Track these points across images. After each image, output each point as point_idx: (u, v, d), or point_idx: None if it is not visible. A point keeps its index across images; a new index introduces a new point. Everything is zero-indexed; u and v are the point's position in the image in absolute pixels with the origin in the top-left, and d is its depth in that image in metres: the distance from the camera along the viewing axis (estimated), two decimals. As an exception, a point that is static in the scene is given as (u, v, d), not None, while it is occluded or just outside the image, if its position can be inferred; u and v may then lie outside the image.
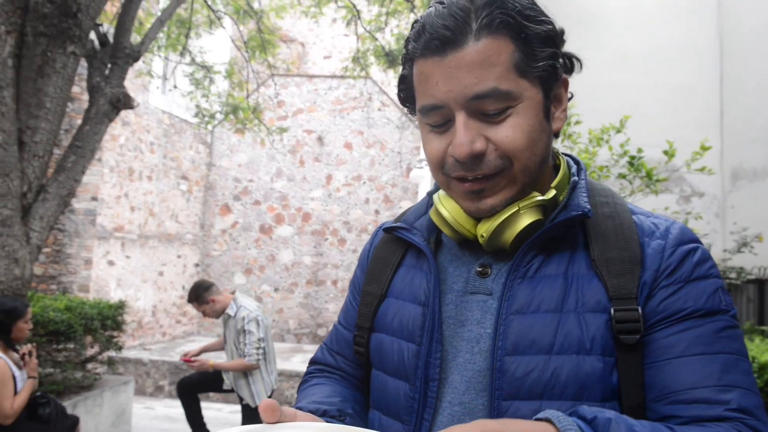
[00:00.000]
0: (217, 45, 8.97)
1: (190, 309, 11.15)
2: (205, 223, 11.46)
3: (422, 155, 9.64)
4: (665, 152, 3.66)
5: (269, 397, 4.58)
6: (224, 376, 4.65)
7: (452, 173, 0.83)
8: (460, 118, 0.79)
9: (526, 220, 0.82)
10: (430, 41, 0.79)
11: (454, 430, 0.56)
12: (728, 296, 0.82)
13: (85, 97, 5.18)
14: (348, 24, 7.34)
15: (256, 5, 7.67)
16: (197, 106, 8.02)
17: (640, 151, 3.73)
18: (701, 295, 0.79)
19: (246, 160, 11.44)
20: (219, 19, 7.43)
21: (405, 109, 0.93)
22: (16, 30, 4.24)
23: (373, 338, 0.95)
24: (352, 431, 0.71)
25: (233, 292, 4.60)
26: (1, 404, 3.23)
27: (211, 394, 7.58)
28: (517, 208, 0.82)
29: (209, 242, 11.44)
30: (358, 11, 7.16)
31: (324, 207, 11.22)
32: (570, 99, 0.90)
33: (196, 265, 11.23)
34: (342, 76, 10.68)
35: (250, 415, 4.48)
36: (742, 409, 0.73)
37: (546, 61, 0.80)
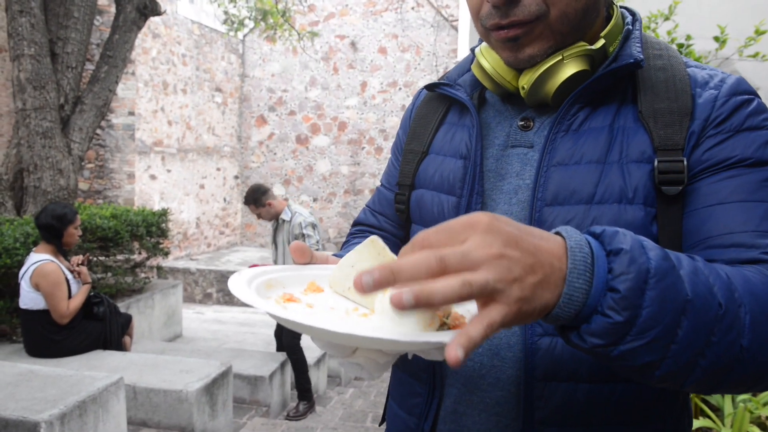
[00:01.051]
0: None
1: (232, 220, 11.44)
2: (242, 135, 11.51)
3: (459, 57, 9.31)
4: (716, 38, 3.42)
5: None
6: None
7: (488, 22, 0.78)
8: None
9: (570, 69, 0.78)
10: None
11: (468, 217, 0.53)
12: None
13: (113, 8, 5.11)
14: None
15: None
16: (225, 13, 7.83)
17: (689, 38, 3.49)
18: (751, 145, 0.74)
19: (279, 69, 11.28)
20: None
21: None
22: (35, -66, 4.15)
23: (414, 195, 0.94)
24: (366, 256, 0.68)
25: (286, 199, 4.72)
26: (58, 305, 3.43)
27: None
28: (560, 57, 0.78)
29: (247, 154, 11.55)
30: None
31: (360, 115, 11.09)
32: None
33: (236, 177, 11.40)
34: None
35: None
36: None
37: None
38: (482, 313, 0.50)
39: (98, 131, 7.73)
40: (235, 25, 7.82)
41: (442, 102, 0.96)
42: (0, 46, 6.88)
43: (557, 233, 0.58)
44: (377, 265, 0.50)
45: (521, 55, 0.79)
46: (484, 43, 0.88)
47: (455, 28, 10.27)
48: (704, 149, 0.76)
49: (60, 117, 4.52)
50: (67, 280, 3.50)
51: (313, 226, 4.62)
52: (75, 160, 4.56)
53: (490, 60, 0.85)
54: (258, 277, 0.68)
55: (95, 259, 4.75)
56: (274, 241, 4.73)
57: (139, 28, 4.84)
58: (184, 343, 5.50)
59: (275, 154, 11.43)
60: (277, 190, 11.46)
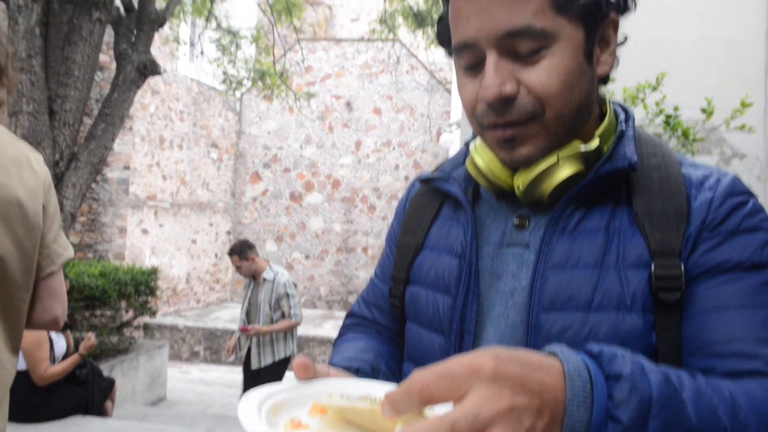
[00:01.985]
0: (242, 9, 8.89)
1: (223, 276, 11.33)
2: (236, 191, 11.56)
3: (452, 119, 9.49)
4: (703, 110, 3.51)
5: (289, 358, 4.70)
6: (240, 343, 4.75)
7: (484, 120, 0.77)
8: (491, 58, 0.73)
9: (565, 171, 0.77)
10: None
11: (469, 361, 0.51)
12: None
13: (114, 65, 5.20)
14: (375, -15, 7.18)
15: (281, -32, 7.55)
16: (224, 73, 8.00)
17: (676, 109, 3.58)
18: (747, 247, 0.73)
19: (275, 127, 11.44)
20: (244, -17, 7.34)
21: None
22: (41, -2, 4.25)
23: (408, 290, 0.92)
24: (379, 386, 0.69)
25: (267, 261, 4.77)
26: (37, 365, 3.34)
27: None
28: (556, 159, 0.77)
29: (240, 210, 11.56)
30: (384, -29, 6.99)
31: (353, 173, 11.19)
32: (622, 43, 0.83)
33: (228, 232, 11.38)
34: (370, 39, 10.53)
35: (255, 382, 4.55)
36: None
37: None
38: None
39: (92, 185, 7.74)
40: (234, 85, 7.97)
41: (436, 195, 0.94)
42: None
43: (553, 353, 0.56)
44: None
45: (517, 156, 0.78)
46: (478, 139, 0.87)
47: (449, 91, 10.50)
48: (701, 252, 0.74)
49: (54, 173, 4.52)
50: (51, 340, 3.42)
51: (295, 285, 4.74)
52: (67, 216, 4.53)
53: (484, 158, 0.84)
54: (264, 403, 0.67)
55: (80, 317, 4.66)
56: (251, 301, 4.75)
57: (138, 87, 4.92)
58: (168, 406, 5.33)
59: (269, 210, 11.44)
60: (270, 247, 11.42)
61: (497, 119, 0.75)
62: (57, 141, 4.54)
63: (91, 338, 3.56)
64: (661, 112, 3.55)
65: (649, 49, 4.78)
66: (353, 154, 11.20)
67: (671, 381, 0.57)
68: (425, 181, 0.95)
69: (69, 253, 1.37)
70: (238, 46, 7.78)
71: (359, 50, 11.20)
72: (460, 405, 0.48)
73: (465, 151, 0.93)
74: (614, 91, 3.71)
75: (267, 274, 4.65)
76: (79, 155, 4.66)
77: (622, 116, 0.84)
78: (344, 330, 1.06)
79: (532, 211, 0.83)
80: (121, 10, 5.02)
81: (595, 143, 0.79)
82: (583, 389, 0.53)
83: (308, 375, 0.71)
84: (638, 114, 3.74)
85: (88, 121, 6.94)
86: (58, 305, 1.35)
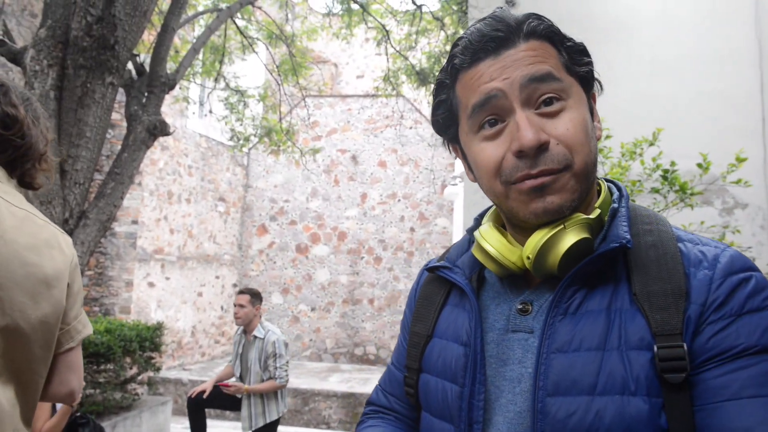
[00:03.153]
0: (250, 70, 9.17)
1: (228, 329, 11.29)
2: (243, 243, 11.63)
3: (456, 172, 9.61)
4: (699, 165, 3.57)
5: (279, 419, 4.63)
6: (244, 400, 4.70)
7: (514, 175, 0.79)
8: (520, 112, 0.78)
9: (571, 237, 0.79)
10: (484, 45, 0.80)
11: None
12: None
13: (125, 123, 5.36)
14: (378, 44, 7.42)
15: (288, 29, 7.83)
16: (232, 130, 8.20)
17: (673, 164, 3.64)
18: (755, 330, 0.73)
19: (281, 180, 11.61)
20: (252, 44, 7.61)
21: (441, 139, 0.93)
22: (57, 63, 4.43)
23: (421, 379, 0.93)
24: None
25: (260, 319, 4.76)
26: (35, 423, 3.32)
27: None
28: (562, 226, 0.79)
29: (247, 262, 11.61)
30: (387, 31, 7.23)
31: (359, 225, 11.27)
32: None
33: (234, 285, 11.39)
34: (374, 95, 10.78)
35: None
36: None
37: (586, 66, 0.84)
38: None
39: (100, 239, 7.84)
40: (241, 142, 8.16)
41: (444, 283, 0.96)
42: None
43: None
44: None
45: (550, 204, 0.79)
46: (483, 226, 0.90)
47: (452, 144, 10.67)
48: (708, 336, 0.73)
49: (64, 231, 4.60)
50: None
51: (286, 344, 4.66)
52: (74, 273, 4.59)
53: (492, 242, 0.85)
54: None
55: (84, 374, 4.65)
56: (242, 359, 4.70)
57: (148, 147, 5.05)
58: (171, 465, 5.25)
59: (275, 262, 11.49)
60: (276, 299, 11.41)
61: (529, 170, 0.78)
62: (67, 200, 4.64)
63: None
64: (658, 167, 3.61)
65: (645, 104, 4.90)
66: (359, 207, 11.30)
67: None
68: (431, 270, 0.97)
69: (88, 330, 1.42)
70: (245, 105, 8.00)
71: (364, 106, 11.46)
72: None
73: (468, 239, 0.98)
74: (611, 147, 3.79)
75: (258, 332, 4.61)
76: (88, 213, 4.76)
77: (615, 194, 0.88)
78: (364, 418, 1.06)
79: (535, 296, 0.85)
80: (133, 73, 5.21)
81: (596, 212, 0.82)
82: None
83: None
84: (636, 169, 3.80)
85: (98, 178, 7.09)
86: (75, 379, 1.38)
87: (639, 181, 3.64)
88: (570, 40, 0.83)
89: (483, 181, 0.84)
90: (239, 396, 4.68)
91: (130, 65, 5.08)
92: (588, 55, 0.85)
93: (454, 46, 0.84)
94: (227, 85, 7.72)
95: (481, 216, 0.96)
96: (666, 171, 3.59)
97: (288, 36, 7.52)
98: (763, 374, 0.71)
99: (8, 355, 1.19)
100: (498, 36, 0.80)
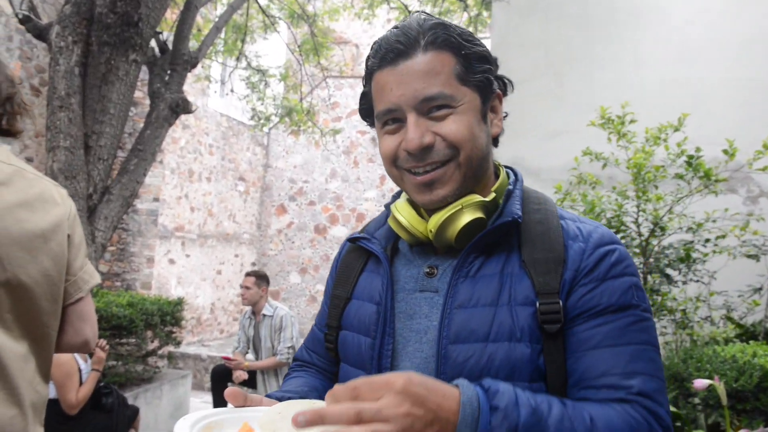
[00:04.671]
0: (272, 49, 9.16)
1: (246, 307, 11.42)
2: (262, 223, 11.72)
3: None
4: (725, 151, 3.51)
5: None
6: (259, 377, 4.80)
7: (404, 165, 0.96)
8: (411, 118, 0.93)
9: (467, 216, 0.94)
10: (386, 54, 0.95)
11: (388, 377, 0.70)
12: (641, 292, 0.93)
13: (148, 101, 5.41)
14: (400, 25, 7.35)
15: (309, 9, 7.79)
16: (253, 109, 8.22)
17: (698, 150, 3.58)
18: (615, 292, 0.90)
19: (301, 161, 11.64)
20: (274, 23, 7.59)
21: (366, 122, 1.07)
22: (82, 40, 4.47)
23: (340, 335, 1.07)
24: (294, 404, 0.84)
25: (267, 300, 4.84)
26: (67, 395, 3.42)
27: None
28: (460, 206, 0.94)
29: (265, 242, 11.70)
30: (409, 12, 7.17)
31: (378, 207, 11.28)
32: (505, 117, 1.04)
33: (253, 264, 11.50)
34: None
35: None
36: (641, 393, 0.84)
37: (482, 74, 0.96)
38: None
39: (123, 216, 7.95)
40: (262, 121, 8.18)
41: (363, 252, 1.10)
42: (37, 131, 7.24)
43: (456, 384, 0.75)
44: (311, 409, 0.67)
45: (435, 197, 0.95)
46: (399, 200, 1.05)
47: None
48: (578, 296, 0.90)
49: (87, 206, 4.68)
50: (80, 370, 3.50)
51: (293, 320, 4.78)
52: (98, 248, 4.67)
53: (404, 214, 1.01)
54: (199, 422, 0.81)
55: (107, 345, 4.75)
56: (255, 338, 4.79)
57: (171, 124, 5.09)
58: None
59: (293, 242, 11.57)
60: (294, 279, 11.50)
61: (417, 164, 0.94)
62: (91, 175, 4.71)
63: (101, 349, 3.63)
64: (683, 153, 3.55)
65: (671, 88, 4.81)
66: (378, 188, 11.31)
67: (539, 411, 0.77)
68: (352, 241, 1.12)
69: (96, 279, 1.45)
70: (266, 84, 8.01)
71: (385, 86, 11.39)
72: (371, 403, 0.68)
73: (386, 213, 1.10)
74: (636, 131, 3.74)
75: (266, 311, 4.73)
76: (111, 189, 4.83)
77: (512, 178, 1.04)
78: (290, 371, 1.23)
79: (440, 261, 1.00)
80: (156, 51, 5.24)
81: (491, 196, 0.98)
82: (471, 415, 0.73)
83: (238, 402, 0.88)
84: (660, 154, 3.74)
85: (120, 155, 7.16)
86: (88, 328, 1.42)
87: (662, 166, 3.59)
88: (469, 46, 0.95)
89: (384, 166, 1.00)
90: (246, 374, 4.77)
91: (153, 43, 5.11)
92: (489, 62, 0.97)
93: (372, 47, 0.98)
94: (249, 64, 7.73)
95: (399, 194, 1.10)
96: (691, 157, 3.53)
97: (310, 15, 7.49)
98: (618, 329, 0.88)
99: (16, 310, 1.22)
100: (397, 48, 0.93)
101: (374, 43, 0.98)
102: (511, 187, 1.01)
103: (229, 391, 0.88)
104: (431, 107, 0.93)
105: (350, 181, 11.40)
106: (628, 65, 4.87)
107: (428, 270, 1.00)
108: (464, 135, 0.93)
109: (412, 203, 1.04)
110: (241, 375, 4.76)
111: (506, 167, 1.07)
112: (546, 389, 0.88)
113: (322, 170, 11.52)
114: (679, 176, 3.57)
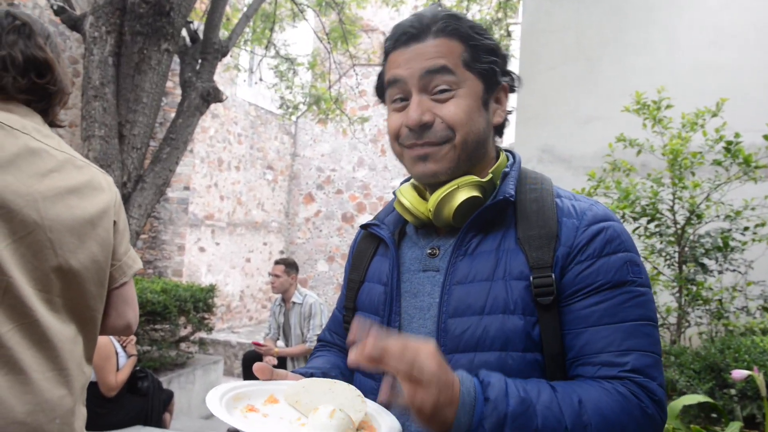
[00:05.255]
0: (300, 37, 9.18)
1: (275, 295, 11.54)
2: (290, 211, 11.80)
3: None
4: (765, 137, 3.42)
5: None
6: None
7: (405, 142, 1.02)
8: (415, 97, 0.99)
9: (463, 194, 0.99)
10: (400, 37, 1.02)
11: (412, 341, 0.79)
12: (637, 267, 0.95)
13: (178, 91, 5.47)
14: (428, 12, 7.29)
15: (337, -4, 7.77)
16: (281, 98, 8.25)
17: (737, 136, 3.49)
18: (610, 269, 0.93)
19: (329, 150, 11.67)
20: (302, 11, 7.60)
21: (379, 100, 1.13)
22: (115, 30, 4.53)
23: (355, 316, 1.14)
24: (316, 381, 0.90)
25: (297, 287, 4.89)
26: (106, 378, 3.50)
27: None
28: (456, 186, 1.00)
29: (293, 230, 11.79)
30: (438, -2, 7.10)
31: (404, 196, 11.27)
32: (510, 113, 1.08)
33: (281, 252, 11.60)
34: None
35: None
36: (635, 369, 0.89)
37: (488, 64, 1.01)
38: (406, 392, 0.77)
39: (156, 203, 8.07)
40: (290, 110, 8.21)
41: (375, 238, 1.17)
42: (71, 122, 7.38)
43: (458, 376, 0.83)
44: (373, 345, 0.77)
45: (426, 170, 1.01)
46: (403, 185, 1.12)
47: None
48: (575, 274, 0.94)
49: (122, 194, 4.76)
50: (117, 354, 3.59)
51: (322, 308, 4.86)
52: (132, 235, 4.76)
53: (407, 197, 1.07)
54: (228, 393, 0.88)
55: (141, 331, 4.85)
56: (285, 325, 4.83)
57: (202, 113, 5.14)
58: (220, 420, 5.46)
59: (321, 231, 11.63)
60: (321, 267, 11.58)
61: (416, 140, 1.00)
62: (125, 163, 4.79)
63: (131, 340, 3.72)
64: (721, 138, 3.47)
65: (707, 73, 4.69)
66: (405, 177, 11.29)
67: (527, 400, 0.83)
68: (364, 227, 1.18)
69: (138, 264, 1.49)
70: (295, 73, 8.03)
71: (412, 74, 11.34)
72: (407, 349, 0.77)
73: (395, 199, 1.16)
74: (672, 117, 3.66)
75: (296, 298, 4.78)
76: (145, 177, 4.90)
77: (511, 160, 1.09)
78: (314, 351, 1.30)
79: (442, 242, 1.06)
80: (187, 40, 5.28)
81: (488, 177, 1.04)
82: (470, 404, 0.81)
83: (266, 376, 0.96)
84: (697, 140, 3.66)
85: (152, 145, 7.27)
86: (131, 311, 1.46)
87: (700, 152, 3.51)
88: (478, 38, 1.01)
89: (390, 142, 1.07)
90: (275, 359, 4.82)
91: (184, 32, 5.15)
92: (496, 55, 1.03)
93: (390, 31, 1.06)
94: (277, 52, 7.75)
95: (406, 181, 1.17)
96: (729, 143, 3.45)
97: (338, 3, 7.47)
98: (614, 306, 0.92)
99: (65, 294, 1.25)
100: (410, 32, 1.01)
101: (392, 28, 1.06)
102: (507, 169, 1.06)
103: (258, 365, 0.93)
104: (434, 87, 0.99)
105: (377, 170, 11.40)
106: (661, 50, 4.75)
107: (430, 251, 1.06)
108: (461, 118, 0.98)
109: (414, 187, 1.11)
110: (270, 360, 4.82)
111: (506, 150, 1.12)
112: (542, 359, 0.93)
113: (350, 159, 11.54)
114: (717, 162, 3.49)
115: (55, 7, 4.66)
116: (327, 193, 11.64)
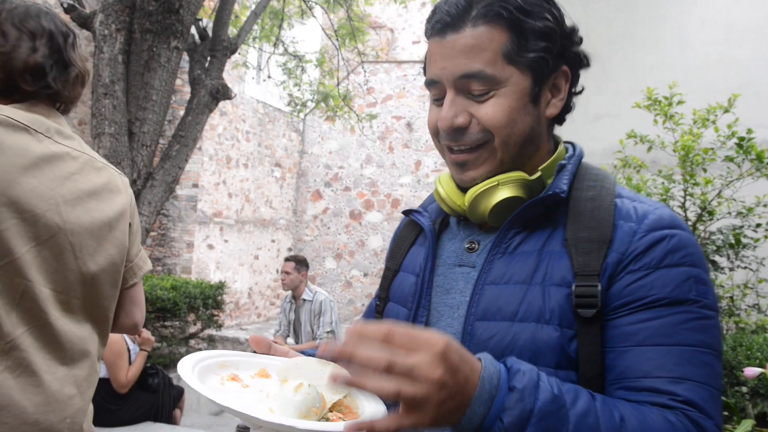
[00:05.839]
0: (308, 35, 9.18)
1: (283, 292, 11.58)
2: (298, 208, 11.82)
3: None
4: (779, 132, 3.38)
5: None
6: None
7: (443, 141, 0.94)
8: (449, 95, 0.90)
9: (502, 194, 0.90)
10: (436, 24, 0.91)
11: (429, 335, 0.65)
12: (704, 286, 0.81)
13: (187, 89, 5.48)
14: (437, 8, 7.28)
15: (345, -6, 7.76)
16: (290, 95, 8.26)
17: (750, 132, 3.46)
18: (668, 283, 0.80)
19: (336, 147, 11.67)
20: (310, 8, 7.60)
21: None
22: (124, 28, 4.54)
23: (387, 306, 1.07)
24: (312, 361, 0.83)
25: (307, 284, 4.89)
26: (117, 374, 3.52)
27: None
28: (496, 183, 0.91)
29: (301, 227, 11.80)
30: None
31: (413, 193, 11.26)
32: (579, 93, 0.97)
33: (289, 249, 11.63)
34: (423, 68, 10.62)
35: None
36: (687, 401, 0.75)
37: (538, 53, 0.88)
38: (400, 415, 0.64)
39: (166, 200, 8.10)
40: (298, 107, 8.21)
41: (416, 225, 1.08)
42: (80, 119, 7.42)
43: (480, 358, 0.71)
44: (346, 344, 0.64)
45: (465, 177, 0.93)
46: (442, 174, 1.02)
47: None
48: (624, 284, 0.82)
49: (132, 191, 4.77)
50: (129, 351, 3.61)
51: (332, 305, 4.83)
52: (142, 232, 4.78)
53: (445, 187, 0.98)
54: (212, 358, 0.81)
55: (151, 328, 4.87)
56: (295, 321, 4.84)
57: (211, 110, 5.15)
58: (230, 417, 5.48)
59: (329, 228, 11.64)
60: (329, 264, 11.59)
61: (451, 143, 0.92)
62: (135, 161, 4.81)
63: (145, 333, 3.73)
64: (733, 134, 3.44)
65: (719, 69, 4.65)
66: (413, 174, 11.28)
67: (560, 399, 0.70)
68: (405, 213, 1.11)
69: (148, 265, 1.50)
70: (303, 70, 8.03)
71: (420, 72, 11.30)
72: (406, 357, 0.63)
73: None
74: (683, 113, 3.64)
75: (306, 295, 4.79)
76: (155, 174, 4.92)
77: (570, 153, 0.98)
78: None
79: (482, 237, 0.97)
80: (196, 38, 5.29)
81: (536, 175, 0.93)
82: (488, 393, 0.68)
83: (262, 349, 0.87)
84: (709, 136, 3.63)
85: (162, 142, 7.29)
86: (138, 312, 1.49)
87: (712, 149, 3.49)
88: (528, 20, 0.87)
89: (431, 135, 0.97)
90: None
91: (193, 30, 5.16)
92: (550, 39, 0.89)
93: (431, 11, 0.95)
94: (285, 50, 7.76)
95: None
96: (742, 139, 3.42)
97: (346, 0, 7.47)
98: (669, 326, 0.79)
99: (83, 296, 1.27)
100: (446, 19, 0.89)
101: (434, 6, 0.94)
102: (564, 162, 0.94)
103: (255, 336, 0.86)
104: (470, 87, 0.88)
105: (385, 167, 11.39)
106: (672, 47, 4.72)
107: (469, 245, 0.96)
108: (500, 120, 0.88)
109: None
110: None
111: (567, 143, 1.01)
112: (577, 379, 0.80)
113: (357, 156, 11.54)
114: (729, 159, 3.46)
115: (65, 5, 4.68)
116: (335, 190, 11.65)
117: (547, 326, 0.82)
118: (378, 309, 1.10)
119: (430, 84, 0.93)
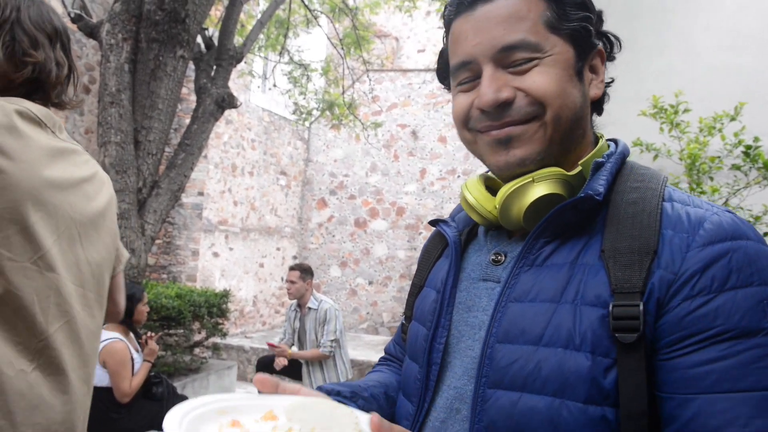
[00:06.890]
0: (313, 43, 9.22)
1: (288, 300, 11.57)
2: (303, 216, 11.83)
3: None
4: (786, 141, 3.36)
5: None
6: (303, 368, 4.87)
7: (477, 126, 0.81)
8: (487, 70, 0.78)
9: (538, 191, 0.78)
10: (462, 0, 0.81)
11: None
12: None
13: (193, 97, 5.50)
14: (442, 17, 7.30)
15: (351, 2, 7.80)
16: (295, 104, 8.28)
17: (756, 140, 3.45)
18: (736, 311, 0.65)
19: (341, 155, 11.69)
20: (315, 17, 7.63)
21: (442, 87, 0.92)
22: (131, 37, 4.57)
23: (411, 325, 0.96)
24: (319, 403, 0.72)
25: (312, 293, 4.90)
26: (121, 384, 3.51)
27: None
28: (531, 179, 0.78)
29: (306, 235, 11.81)
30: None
31: (418, 201, 11.26)
32: (610, 83, 0.88)
33: (294, 257, 11.63)
34: (435, 70, 10.64)
35: None
36: None
37: (579, 22, 0.79)
38: None
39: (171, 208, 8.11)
40: (303, 115, 8.24)
41: (444, 237, 0.96)
42: (87, 128, 7.45)
43: None
44: None
45: (511, 158, 0.79)
46: (468, 179, 0.91)
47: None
48: (682, 314, 0.67)
49: (137, 199, 4.80)
50: (132, 360, 3.60)
51: (337, 314, 4.81)
52: (147, 240, 4.78)
53: (473, 191, 0.87)
54: (208, 405, 0.70)
55: (156, 336, 4.88)
56: (300, 330, 4.84)
57: (217, 119, 5.17)
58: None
59: (334, 236, 11.64)
60: (334, 272, 11.58)
61: (492, 123, 0.79)
62: (141, 169, 4.83)
63: (152, 344, 3.73)
64: (740, 143, 3.43)
65: (725, 77, 4.64)
66: (418, 182, 11.28)
67: None
68: (431, 224, 1.00)
69: (126, 254, 1.53)
70: (308, 79, 8.06)
71: (425, 80, 11.35)
72: None
73: None
74: (689, 121, 3.62)
75: (312, 304, 4.79)
76: (160, 183, 4.93)
77: (612, 148, 0.85)
78: (376, 366, 1.10)
79: (510, 248, 0.84)
80: (202, 47, 5.32)
81: (576, 170, 0.81)
82: None
83: (267, 389, 0.74)
84: (716, 145, 3.61)
85: (168, 150, 7.32)
86: (122, 300, 1.53)
87: (718, 157, 3.47)
88: None
89: (457, 130, 0.86)
90: (287, 361, 4.85)
91: (199, 39, 5.19)
92: (586, 9, 0.81)
93: None
94: (291, 59, 7.79)
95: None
96: (749, 147, 3.40)
97: (351, 9, 7.50)
98: (740, 365, 0.64)
99: (95, 288, 1.28)
100: None
101: None
102: (603, 159, 0.81)
103: (259, 376, 0.76)
104: (512, 59, 0.77)
105: (390, 175, 11.40)
106: (677, 54, 4.71)
107: (494, 257, 0.84)
108: (552, 89, 0.76)
109: (486, 179, 0.90)
110: (281, 362, 4.82)
111: (610, 140, 0.89)
112: (615, 417, 0.67)
113: (362, 164, 11.55)
114: (736, 167, 3.44)
115: (72, 15, 4.71)
116: (340, 198, 11.66)
117: (577, 353, 0.69)
118: (404, 329, 1.01)
119: (459, 67, 0.81)
